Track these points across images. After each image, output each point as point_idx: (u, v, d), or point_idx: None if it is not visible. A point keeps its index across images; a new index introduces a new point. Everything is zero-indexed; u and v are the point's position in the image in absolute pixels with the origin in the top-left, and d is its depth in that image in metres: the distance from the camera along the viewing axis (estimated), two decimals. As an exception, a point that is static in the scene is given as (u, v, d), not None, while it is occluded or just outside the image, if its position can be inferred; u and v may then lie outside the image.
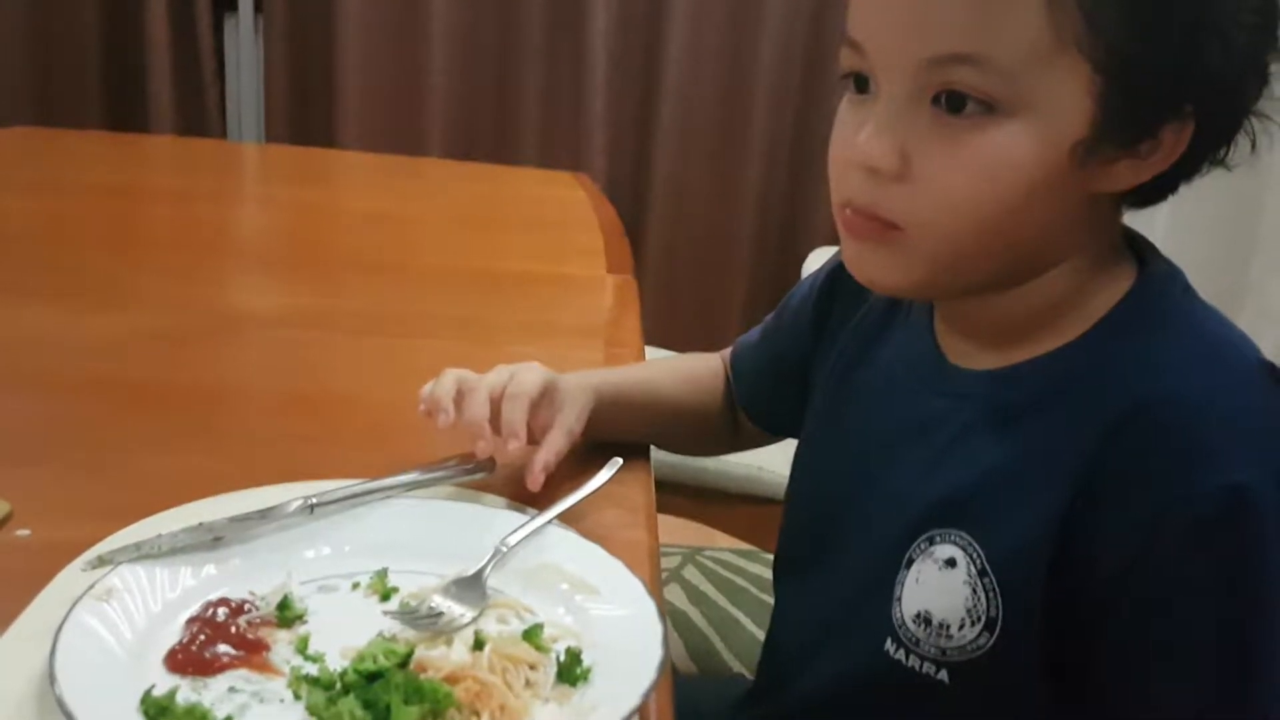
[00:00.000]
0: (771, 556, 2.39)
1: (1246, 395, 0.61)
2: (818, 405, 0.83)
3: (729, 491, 1.57)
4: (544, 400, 0.80)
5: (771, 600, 2.19)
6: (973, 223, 0.61)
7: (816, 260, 2.41)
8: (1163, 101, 0.59)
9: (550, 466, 0.78)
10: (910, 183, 0.61)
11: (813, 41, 2.71)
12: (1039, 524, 0.61)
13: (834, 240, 2.41)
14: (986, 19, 0.57)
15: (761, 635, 2.03)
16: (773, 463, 1.57)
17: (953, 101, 0.59)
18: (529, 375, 0.80)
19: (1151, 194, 0.64)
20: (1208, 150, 0.62)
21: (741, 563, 2.21)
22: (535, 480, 0.77)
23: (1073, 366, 0.64)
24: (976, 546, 0.64)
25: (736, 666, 1.74)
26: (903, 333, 0.76)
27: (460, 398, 0.78)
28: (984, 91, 0.58)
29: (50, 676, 0.53)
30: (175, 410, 0.94)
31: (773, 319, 0.93)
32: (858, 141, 0.62)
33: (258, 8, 2.64)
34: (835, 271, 0.85)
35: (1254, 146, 0.62)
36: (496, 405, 0.78)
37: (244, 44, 2.68)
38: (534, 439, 0.79)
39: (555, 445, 0.79)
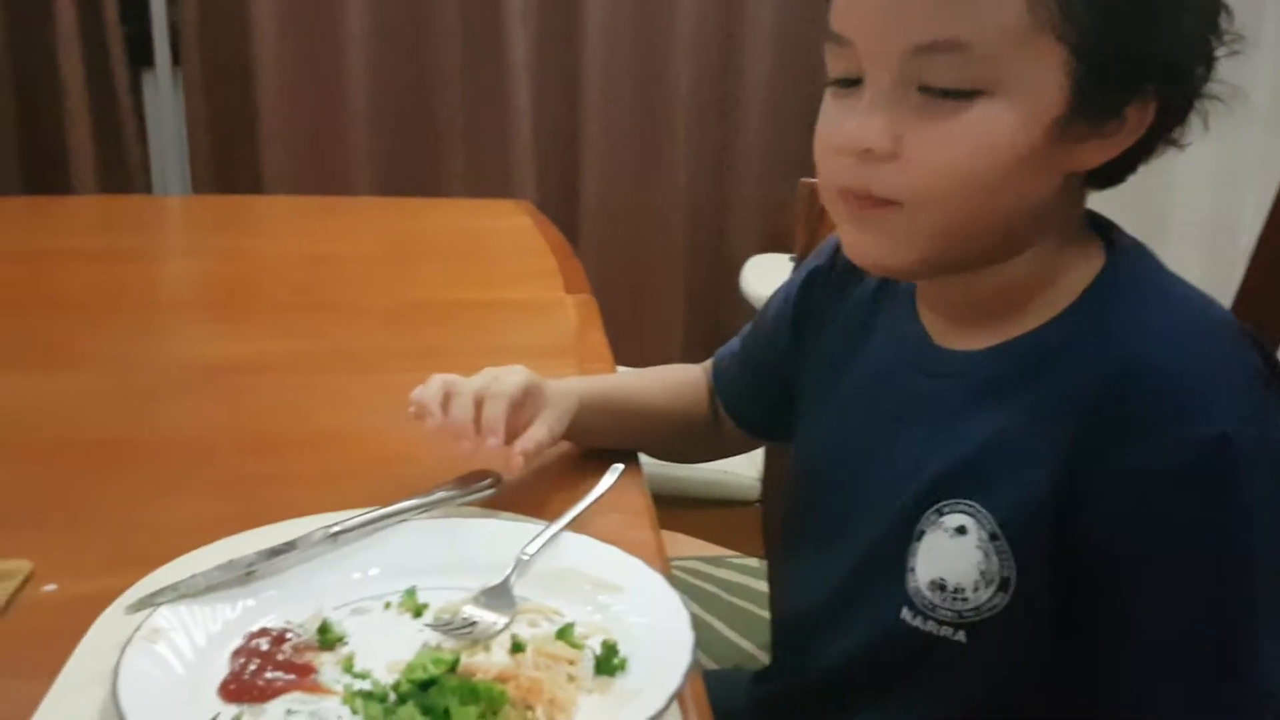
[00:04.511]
0: (740, 560, 2.41)
1: (1222, 353, 0.67)
2: (811, 399, 0.87)
3: (699, 497, 1.61)
4: (527, 401, 0.83)
5: (742, 603, 2.22)
6: (962, 196, 0.66)
7: (753, 269, 2.47)
8: (1128, 82, 0.65)
9: (529, 454, 0.81)
10: (901, 161, 0.66)
11: (726, 51, 2.78)
12: (1041, 486, 0.66)
13: (767, 248, 2.49)
14: (966, 6, 0.63)
15: (734, 637, 2.06)
16: (738, 467, 1.61)
17: (939, 86, 0.64)
18: (511, 377, 0.83)
19: (1114, 174, 0.70)
20: (1166, 129, 0.68)
21: (709, 569, 2.25)
22: (513, 465, 0.80)
23: (1061, 338, 0.69)
24: (985, 512, 0.69)
25: (713, 667, 1.78)
26: (888, 322, 0.81)
27: (447, 400, 0.81)
28: (967, 74, 0.64)
29: (119, 714, 0.55)
30: (162, 461, 0.95)
31: (751, 327, 0.97)
32: (849, 127, 0.67)
33: (175, 61, 2.63)
34: (811, 275, 0.89)
35: (1206, 126, 0.68)
36: (481, 406, 0.81)
37: (164, 98, 2.67)
38: (517, 438, 0.82)
39: (535, 436, 0.82)
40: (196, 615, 0.65)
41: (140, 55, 2.62)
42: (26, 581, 0.72)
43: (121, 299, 1.46)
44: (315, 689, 0.61)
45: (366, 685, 0.60)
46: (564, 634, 0.65)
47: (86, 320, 1.36)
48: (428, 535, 0.75)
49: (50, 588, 0.71)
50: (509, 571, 0.70)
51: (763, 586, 2.12)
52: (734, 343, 0.99)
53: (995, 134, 0.64)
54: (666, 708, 0.57)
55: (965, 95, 0.64)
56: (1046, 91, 0.64)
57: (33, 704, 0.59)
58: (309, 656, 0.63)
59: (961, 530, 0.69)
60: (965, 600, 0.69)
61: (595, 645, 0.64)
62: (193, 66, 2.61)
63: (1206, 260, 2.00)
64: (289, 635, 0.65)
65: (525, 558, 0.72)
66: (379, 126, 2.69)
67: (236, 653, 0.63)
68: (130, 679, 0.58)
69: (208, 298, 1.52)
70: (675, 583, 0.69)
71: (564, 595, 0.70)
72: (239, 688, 0.60)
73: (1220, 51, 0.67)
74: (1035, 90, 0.64)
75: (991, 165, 0.65)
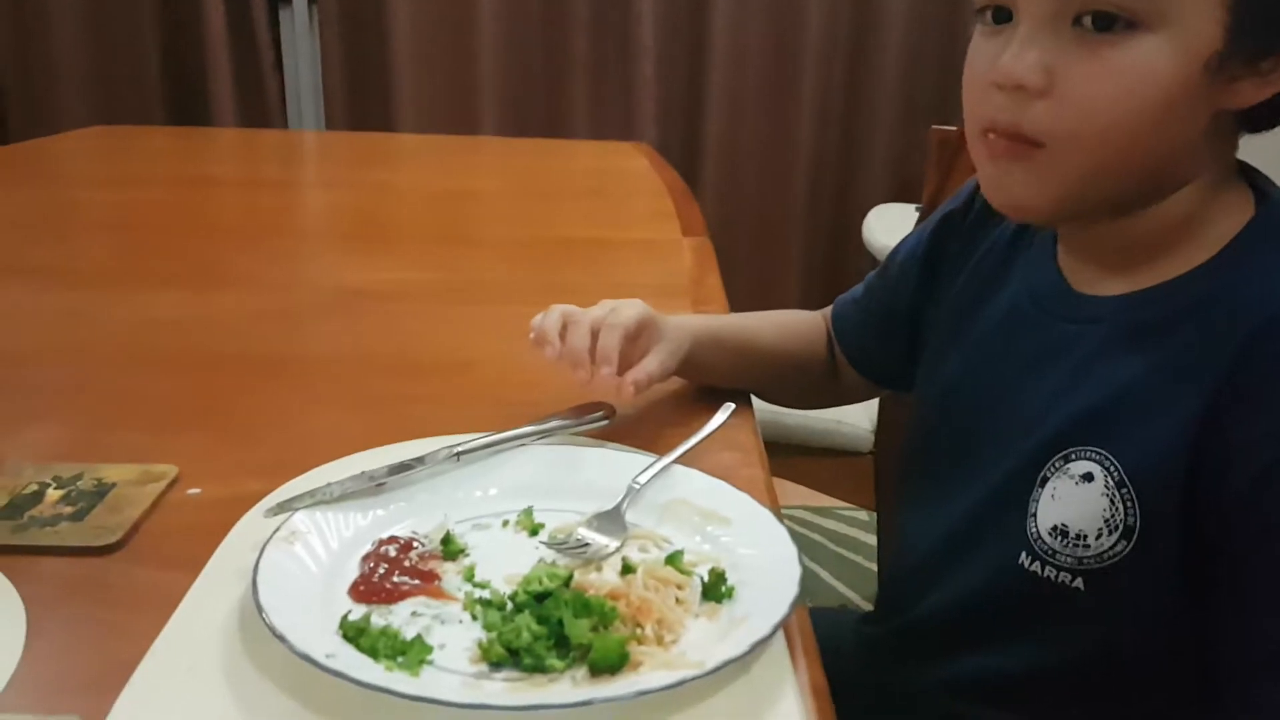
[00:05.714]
0: (850, 511, 2.41)
1: None
2: (939, 343, 0.86)
3: (809, 445, 1.61)
4: (641, 333, 0.85)
5: (848, 554, 2.22)
6: (1113, 136, 0.65)
7: (877, 218, 2.43)
8: None
9: (641, 385, 0.82)
10: (1054, 98, 0.65)
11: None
12: (1174, 436, 0.65)
13: (890, 197, 2.46)
14: None
15: (840, 586, 2.07)
16: (852, 417, 1.61)
17: (1098, 20, 0.63)
18: (628, 310, 0.84)
19: (1268, 116, 0.68)
20: None
21: (817, 519, 2.26)
22: (625, 394, 0.82)
23: (1206, 287, 0.68)
24: (1114, 460, 0.68)
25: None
26: (1025, 266, 0.80)
27: (565, 329, 0.83)
28: (1127, 7, 0.62)
29: (257, 606, 0.58)
30: (301, 378, 1.00)
31: (877, 274, 0.97)
32: (1002, 62, 0.66)
33: (311, -2, 2.70)
34: (947, 217, 0.88)
35: None
36: (597, 337, 0.83)
37: (299, 35, 2.74)
38: (630, 369, 0.83)
39: (647, 368, 0.84)
40: (331, 521, 0.69)
41: (279, -8, 2.70)
42: (172, 485, 0.77)
43: (266, 226, 1.54)
44: (439, 594, 0.64)
45: (486, 594, 0.64)
46: (673, 560, 0.67)
47: (235, 245, 1.43)
48: (544, 459, 0.78)
49: (194, 491, 0.76)
50: (621, 498, 0.73)
51: (870, 539, 2.12)
52: (857, 289, 0.98)
53: (1152, 70, 0.63)
54: (773, 634, 0.58)
55: (1122, 29, 0.63)
56: (1204, 27, 0.63)
57: (177, 596, 0.63)
58: (433, 564, 0.67)
59: (1088, 477, 0.69)
60: (1087, 547, 0.69)
61: (703, 573, 0.66)
62: (328, 4, 2.68)
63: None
64: (416, 544, 0.68)
65: (637, 486, 0.74)
66: (505, 68, 2.72)
67: (366, 557, 0.67)
68: (268, 576, 0.62)
69: (346, 228, 1.59)
70: (782, 526, 0.70)
71: (673, 525, 0.72)
72: (368, 589, 0.64)
73: None
74: (1193, 25, 0.62)
75: (1145, 102, 0.64)
